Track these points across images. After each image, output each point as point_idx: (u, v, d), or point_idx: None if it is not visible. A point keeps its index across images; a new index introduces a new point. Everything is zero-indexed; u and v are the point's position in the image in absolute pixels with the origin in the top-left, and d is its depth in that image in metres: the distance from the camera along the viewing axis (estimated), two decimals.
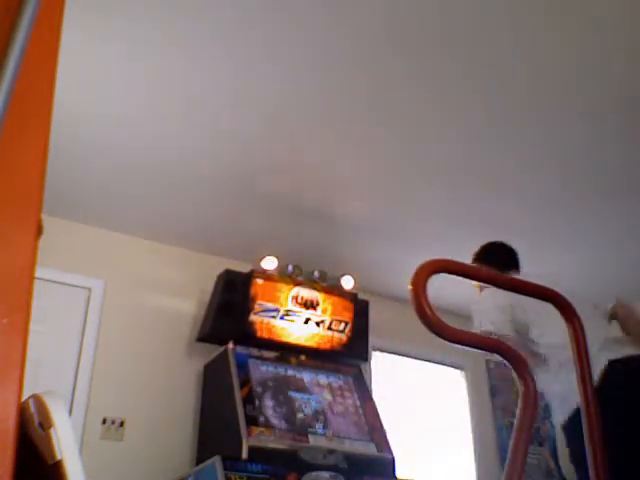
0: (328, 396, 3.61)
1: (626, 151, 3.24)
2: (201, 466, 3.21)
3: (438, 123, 3.10)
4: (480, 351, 2.17)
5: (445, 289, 2.55)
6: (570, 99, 2.92)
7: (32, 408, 0.85)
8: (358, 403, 3.66)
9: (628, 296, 4.62)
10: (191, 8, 2.48)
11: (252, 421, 3.17)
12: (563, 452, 4.90)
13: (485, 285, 2.31)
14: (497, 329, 2.29)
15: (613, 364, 2.19)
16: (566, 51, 2.65)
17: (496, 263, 2.72)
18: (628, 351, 2.25)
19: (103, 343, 3.72)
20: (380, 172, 3.47)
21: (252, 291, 3.77)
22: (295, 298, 3.89)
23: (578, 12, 2.47)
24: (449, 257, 1.48)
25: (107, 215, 3.88)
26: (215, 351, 3.74)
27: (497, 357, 1.75)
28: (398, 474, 3.39)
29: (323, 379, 3.71)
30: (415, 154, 3.33)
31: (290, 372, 3.64)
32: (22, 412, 0.83)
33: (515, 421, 1.42)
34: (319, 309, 3.94)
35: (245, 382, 3.40)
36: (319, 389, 3.63)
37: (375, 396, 3.89)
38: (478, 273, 1.62)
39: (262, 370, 3.55)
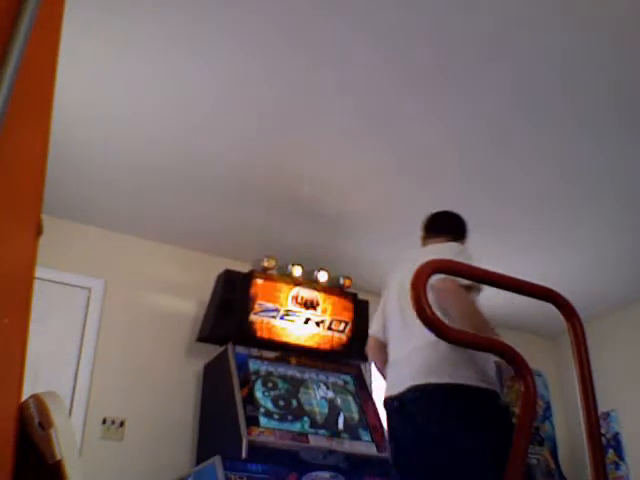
0: (328, 396, 3.61)
1: (627, 151, 3.24)
2: (201, 466, 3.21)
3: (439, 123, 3.10)
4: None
5: None
6: (570, 99, 2.92)
7: (32, 408, 0.85)
8: (358, 403, 3.66)
9: (628, 296, 4.63)
10: (196, 8, 2.48)
11: (252, 421, 3.17)
12: (563, 452, 4.91)
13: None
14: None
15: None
16: (570, 53, 2.66)
17: (431, 230, 2.70)
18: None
19: (103, 343, 3.72)
20: (380, 172, 3.47)
21: (252, 291, 3.77)
22: (295, 298, 3.88)
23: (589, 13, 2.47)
24: None
25: (107, 215, 3.88)
26: (215, 351, 3.74)
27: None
28: None
29: (323, 379, 3.71)
30: (416, 154, 3.33)
31: (290, 372, 3.64)
32: (22, 412, 0.83)
33: (515, 421, 1.42)
34: (319, 309, 3.94)
35: (245, 382, 3.40)
36: (319, 389, 3.63)
37: (375, 396, 3.89)
38: (477, 273, 1.62)
39: (262, 370, 3.55)
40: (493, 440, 2.15)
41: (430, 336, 2.18)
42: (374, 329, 2.67)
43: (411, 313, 2.39)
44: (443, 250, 2.39)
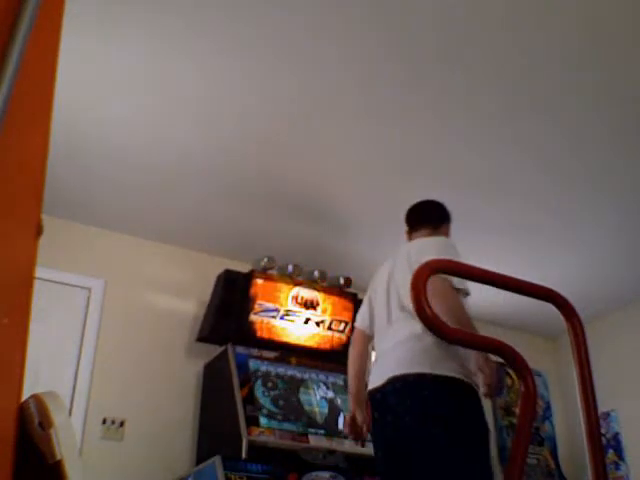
0: (328, 396, 3.61)
1: (627, 150, 3.24)
2: (201, 466, 3.21)
3: (438, 123, 3.10)
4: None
5: None
6: (569, 98, 2.92)
7: (32, 408, 0.85)
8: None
9: (628, 296, 4.63)
10: (196, 8, 2.48)
11: (252, 421, 3.17)
12: (563, 452, 4.90)
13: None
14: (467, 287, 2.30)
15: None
16: (565, 49, 2.66)
17: (413, 224, 2.68)
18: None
19: (103, 343, 3.72)
20: (381, 171, 3.47)
21: (252, 291, 3.76)
22: (295, 298, 3.88)
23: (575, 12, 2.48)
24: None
25: (107, 215, 3.88)
26: (215, 351, 3.74)
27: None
28: None
29: (323, 379, 3.71)
30: (416, 155, 3.33)
31: (290, 372, 3.64)
32: (22, 412, 0.83)
33: (515, 421, 1.42)
34: (319, 309, 3.93)
35: (245, 382, 3.40)
36: (319, 389, 3.63)
37: None
38: (476, 273, 1.62)
39: (262, 370, 3.55)
40: (470, 433, 2.15)
41: (414, 329, 2.17)
42: (360, 322, 2.67)
43: (395, 308, 2.40)
44: (428, 245, 2.40)
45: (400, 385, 2.25)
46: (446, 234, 2.62)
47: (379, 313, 2.52)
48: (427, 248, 2.34)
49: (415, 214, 2.71)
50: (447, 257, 2.20)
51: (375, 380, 2.38)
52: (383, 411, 2.32)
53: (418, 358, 2.22)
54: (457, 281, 2.22)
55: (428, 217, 2.66)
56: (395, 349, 2.32)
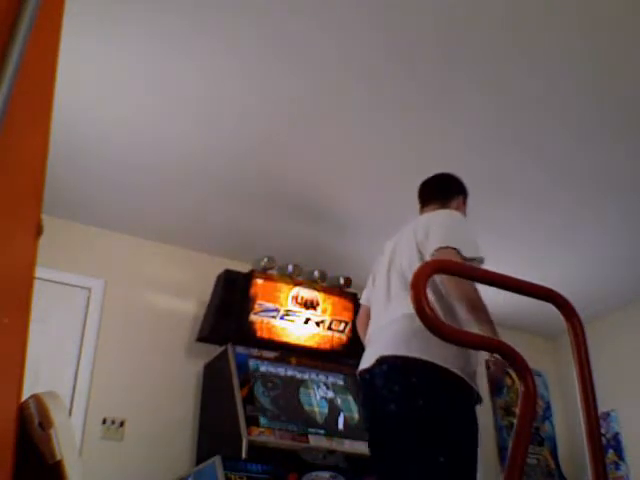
0: (328, 396, 3.61)
1: (627, 150, 3.24)
2: (201, 466, 3.21)
3: (439, 123, 3.10)
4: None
5: None
6: (569, 98, 2.92)
7: (32, 408, 0.85)
8: (358, 403, 3.66)
9: (628, 296, 4.63)
10: (196, 9, 2.48)
11: (252, 421, 3.17)
12: (563, 452, 4.90)
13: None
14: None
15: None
16: (565, 49, 2.66)
17: (423, 200, 2.59)
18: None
19: (103, 343, 3.72)
20: (381, 172, 3.48)
21: (252, 291, 3.76)
22: (295, 298, 3.88)
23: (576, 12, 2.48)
24: None
25: (107, 215, 3.88)
26: (215, 351, 3.74)
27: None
28: None
29: (323, 379, 3.71)
30: (416, 154, 3.33)
31: (290, 372, 3.64)
32: (22, 412, 0.84)
33: (515, 421, 1.42)
34: (319, 309, 3.93)
35: (245, 382, 3.40)
36: (319, 389, 3.63)
37: None
38: (476, 273, 1.62)
39: (262, 370, 3.55)
40: (459, 435, 2.01)
41: (409, 309, 2.02)
42: (365, 299, 2.59)
43: (396, 284, 2.29)
44: (433, 219, 2.31)
45: (386, 367, 2.09)
46: (458, 207, 2.50)
47: (379, 288, 2.37)
48: (432, 222, 2.24)
49: (426, 189, 2.61)
50: (452, 229, 2.17)
51: (365, 361, 2.23)
52: (371, 395, 2.17)
53: (408, 339, 2.04)
54: (468, 250, 2.08)
55: (436, 191, 2.57)
56: (390, 326, 2.17)
